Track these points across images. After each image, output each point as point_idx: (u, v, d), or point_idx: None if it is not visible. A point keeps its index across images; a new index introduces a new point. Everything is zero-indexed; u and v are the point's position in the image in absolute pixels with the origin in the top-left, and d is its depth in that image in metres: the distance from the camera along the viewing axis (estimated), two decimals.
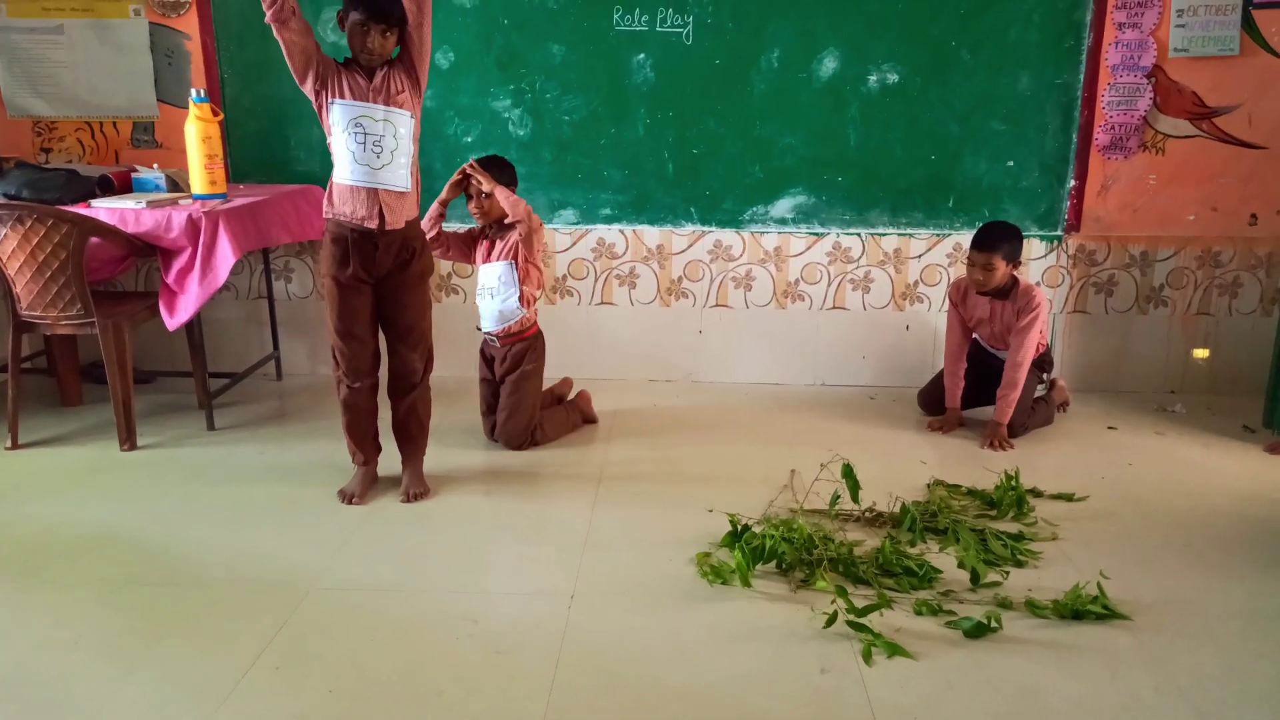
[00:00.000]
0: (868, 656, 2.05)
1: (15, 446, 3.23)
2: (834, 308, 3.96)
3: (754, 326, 3.99)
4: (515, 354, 3.23)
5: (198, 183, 3.28)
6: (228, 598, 2.31)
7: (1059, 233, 3.86)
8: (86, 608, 2.26)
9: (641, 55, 3.74)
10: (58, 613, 2.24)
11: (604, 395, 3.82)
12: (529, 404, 3.24)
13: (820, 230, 3.89)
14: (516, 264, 3.15)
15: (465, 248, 3.29)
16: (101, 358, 3.21)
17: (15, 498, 2.87)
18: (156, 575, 2.42)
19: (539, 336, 3.29)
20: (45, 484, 2.97)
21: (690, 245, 3.93)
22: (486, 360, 3.32)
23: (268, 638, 2.13)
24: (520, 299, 3.17)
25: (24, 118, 3.90)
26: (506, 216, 3.12)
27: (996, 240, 3.28)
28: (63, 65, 3.83)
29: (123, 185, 3.50)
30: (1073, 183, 3.80)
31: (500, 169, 3.17)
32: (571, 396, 3.63)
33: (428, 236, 3.05)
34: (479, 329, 3.27)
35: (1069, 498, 2.90)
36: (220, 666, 2.03)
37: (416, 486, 2.89)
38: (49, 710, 1.89)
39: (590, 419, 3.56)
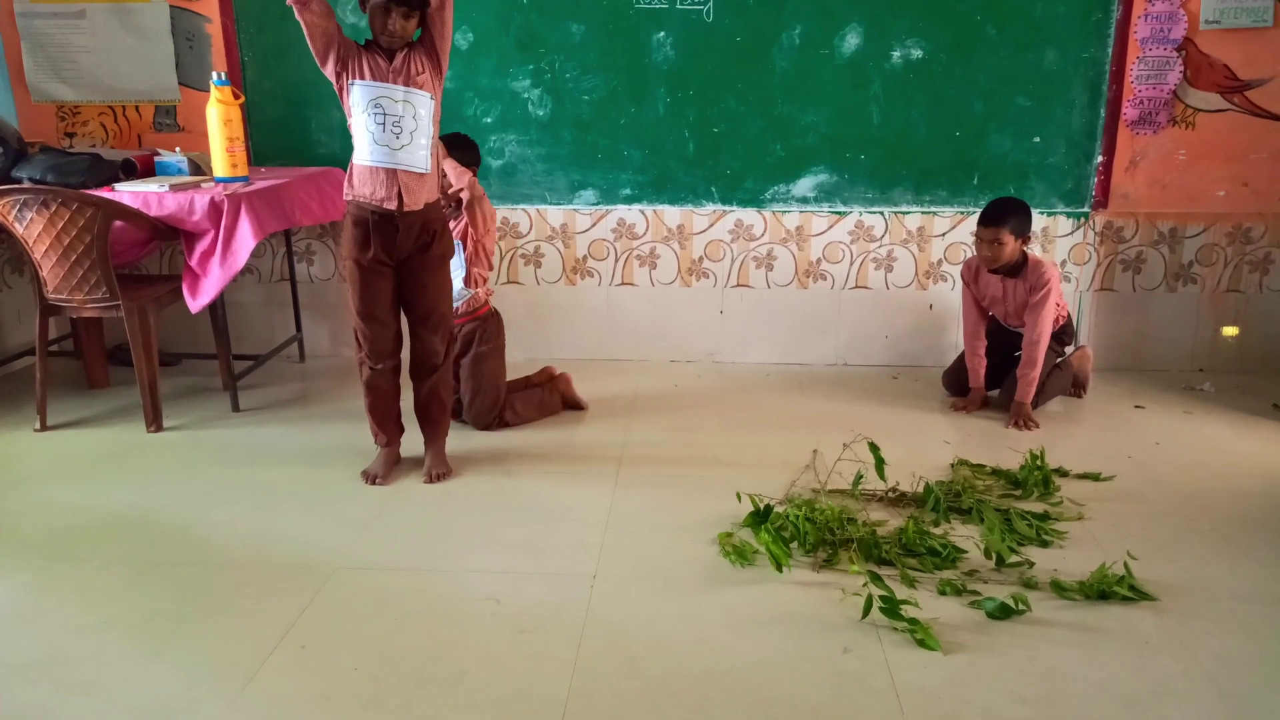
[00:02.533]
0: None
1: (44, 428, 3.28)
2: (856, 287, 3.93)
3: (775, 306, 3.97)
4: (465, 335, 3.19)
5: (219, 166, 3.29)
6: (253, 579, 2.33)
7: (1086, 210, 3.80)
8: (115, 590, 2.29)
9: (662, 33, 3.71)
10: (87, 595, 2.27)
11: (624, 376, 3.83)
12: (490, 384, 3.21)
13: (843, 209, 3.86)
14: (465, 245, 3.12)
15: None
16: (127, 340, 3.24)
17: (44, 481, 2.91)
18: (183, 557, 2.45)
19: (491, 317, 3.24)
20: (73, 466, 3.01)
21: (711, 225, 3.90)
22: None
23: (293, 618, 2.15)
24: (466, 279, 3.13)
25: (48, 102, 3.92)
26: (463, 194, 3.07)
27: (1004, 215, 3.24)
28: (85, 50, 3.85)
29: (145, 169, 3.52)
30: (1100, 159, 3.74)
31: (461, 147, 3.13)
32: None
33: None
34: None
35: (1095, 477, 2.87)
36: (247, 646, 2.05)
37: (439, 467, 2.90)
38: (80, 691, 1.91)
39: (575, 404, 3.47)
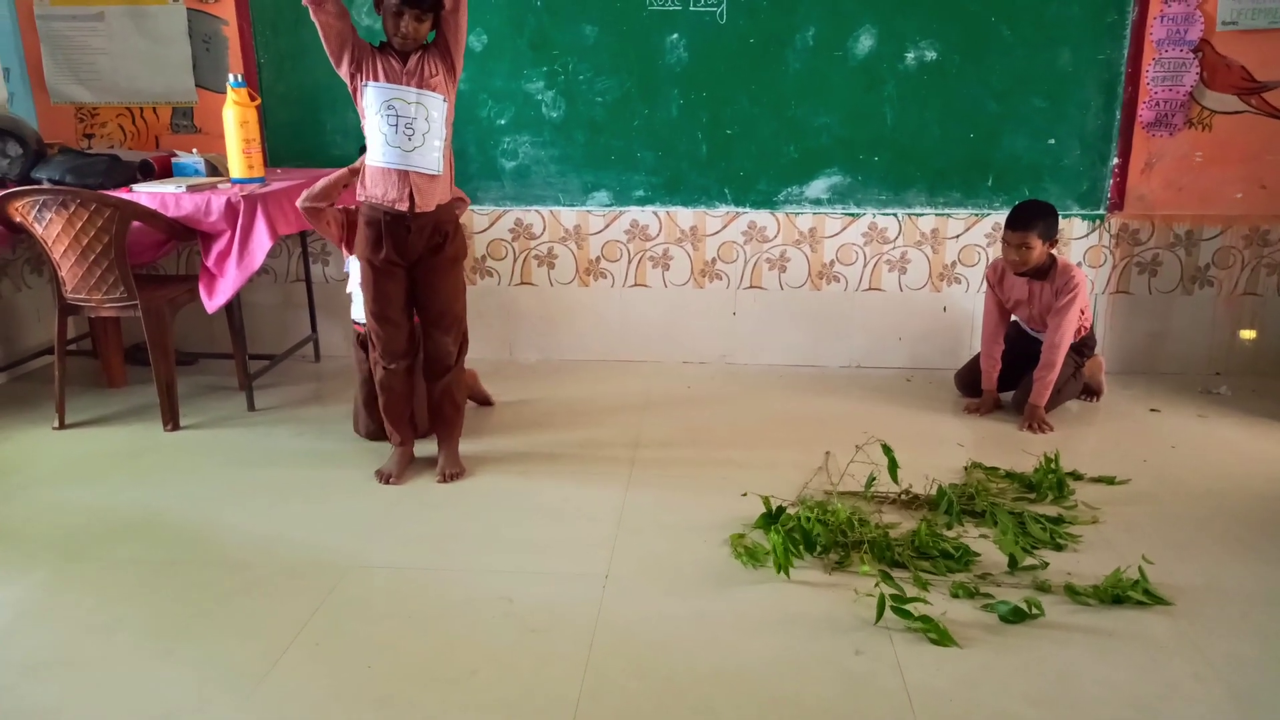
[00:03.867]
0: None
1: (62, 426, 3.31)
2: (870, 289, 3.92)
3: (789, 308, 3.97)
4: None
5: (236, 167, 3.31)
6: (266, 578, 2.35)
7: (1101, 212, 3.79)
8: (128, 588, 2.31)
9: (675, 35, 3.71)
10: (100, 594, 2.29)
11: (637, 378, 3.84)
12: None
13: (856, 211, 3.85)
14: None
15: (344, 231, 2.99)
16: (145, 340, 3.27)
17: (61, 479, 2.93)
18: (197, 557, 2.46)
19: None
20: (90, 465, 3.03)
21: (724, 227, 3.90)
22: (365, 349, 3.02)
23: (306, 617, 2.17)
24: None
25: (66, 104, 3.96)
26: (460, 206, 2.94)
27: (1032, 218, 3.22)
28: (103, 52, 3.88)
29: (163, 170, 3.55)
30: (1116, 161, 3.72)
31: None
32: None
33: (314, 205, 2.83)
34: (356, 322, 3.09)
35: (1110, 481, 2.86)
36: (259, 646, 2.06)
37: (452, 467, 2.91)
38: (92, 690, 1.93)
39: (481, 399, 3.53)
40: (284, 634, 2.10)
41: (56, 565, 2.41)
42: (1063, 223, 3.76)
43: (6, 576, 2.36)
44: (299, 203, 2.88)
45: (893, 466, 2.62)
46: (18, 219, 3.12)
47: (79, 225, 3.08)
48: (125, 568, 2.40)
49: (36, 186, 3.14)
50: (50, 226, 3.09)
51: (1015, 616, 2.12)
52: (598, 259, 3.97)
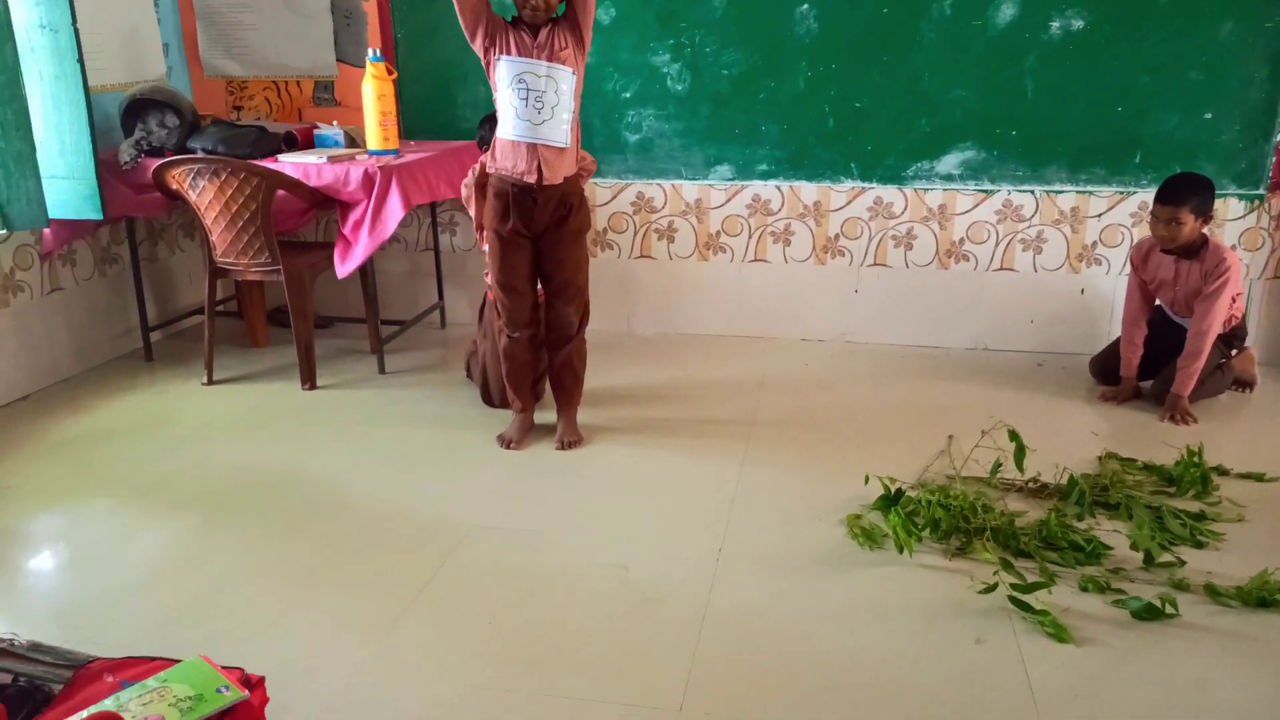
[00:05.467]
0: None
1: (210, 383, 3.52)
2: (1001, 269, 3.78)
3: (913, 287, 3.86)
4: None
5: (373, 139, 3.43)
6: (394, 534, 2.45)
7: (1261, 192, 3.53)
8: (268, 540, 2.45)
9: (805, 6, 3.63)
10: (243, 542, 2.44)
11: (753, 354, 3.81)
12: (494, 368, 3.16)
13: (990, 187, 3.71)
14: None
15: None
16: (285, 303, 3.44)
17: (208, 433, 3.12)
18: (331, 511, 2.59)
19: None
20: (234, 420, 3.22)
21: (849, 202, 3.82)
22: None
23: (430, 573, 2.25)
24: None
25: (218, 78, 4.17)
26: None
27: (1184, 192, 3.04)
28: (252, 28, 4.07)
29: (305, 141, 3.70)
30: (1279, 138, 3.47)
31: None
32: None
33: (473, 183, 2.92)
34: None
35: (1259, 478, 2.69)
36: (388, 597, 2.16)
37: (570, 435, 2.97)
38: (235, 633, 2.06)
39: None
40: (410, 588, 2.19)
41: (204, 513, 2.58)
42: (1218, 203, 3.52)
43: (159, 522, 2.54)
44: (468, 181, 2.95)
45: (1019, 454, 2.53)
46: (174, 186, 3.32)
47: (229, 193, 3.25)
48: (265, 518, 2.55)
49: (192, 156, 3.33)
50: (203, 194, 3.28)
51: (1149, 614, 2.02)
52: (718, 233, 3.95)
